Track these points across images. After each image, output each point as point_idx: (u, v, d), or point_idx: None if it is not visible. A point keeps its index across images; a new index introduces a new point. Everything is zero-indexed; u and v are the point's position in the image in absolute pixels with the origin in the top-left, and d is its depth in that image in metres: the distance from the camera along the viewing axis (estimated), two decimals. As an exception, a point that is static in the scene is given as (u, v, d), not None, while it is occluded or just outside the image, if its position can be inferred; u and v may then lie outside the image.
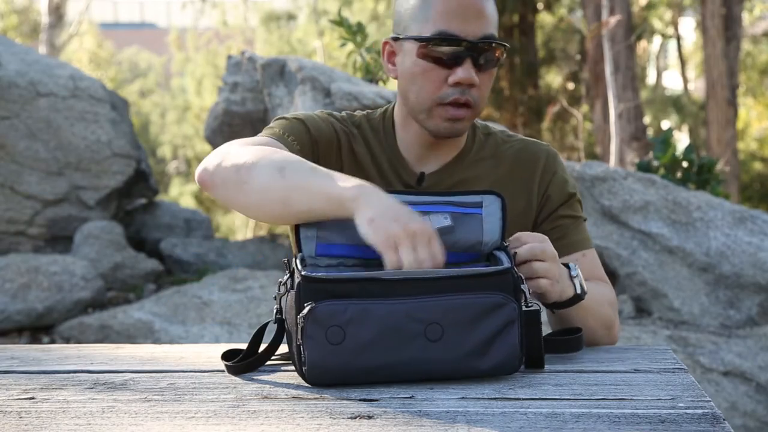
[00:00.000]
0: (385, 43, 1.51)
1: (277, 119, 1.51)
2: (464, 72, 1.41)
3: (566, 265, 1.36)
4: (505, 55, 1.47)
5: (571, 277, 1.35)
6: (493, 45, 1.42)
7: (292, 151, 1.41)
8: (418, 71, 1.44)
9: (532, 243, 1.29)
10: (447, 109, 1.44)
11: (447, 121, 1.45)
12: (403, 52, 1.47)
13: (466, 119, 1.46)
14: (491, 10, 1.44)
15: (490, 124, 1.62)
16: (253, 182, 1.28)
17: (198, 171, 1.38)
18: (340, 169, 1.43)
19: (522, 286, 1.18)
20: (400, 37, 1.47)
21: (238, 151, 1.34)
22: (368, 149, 1.54)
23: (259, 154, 1.32)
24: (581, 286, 1.36)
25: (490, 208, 1.27)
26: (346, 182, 1.23)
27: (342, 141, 1.52)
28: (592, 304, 1.42)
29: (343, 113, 1.58)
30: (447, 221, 1.24)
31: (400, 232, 1.15)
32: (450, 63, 1.42)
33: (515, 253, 1.24)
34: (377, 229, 1.17)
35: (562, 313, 1.41)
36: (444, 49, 1.41)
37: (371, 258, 1.19)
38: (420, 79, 1.44)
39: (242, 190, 1.30)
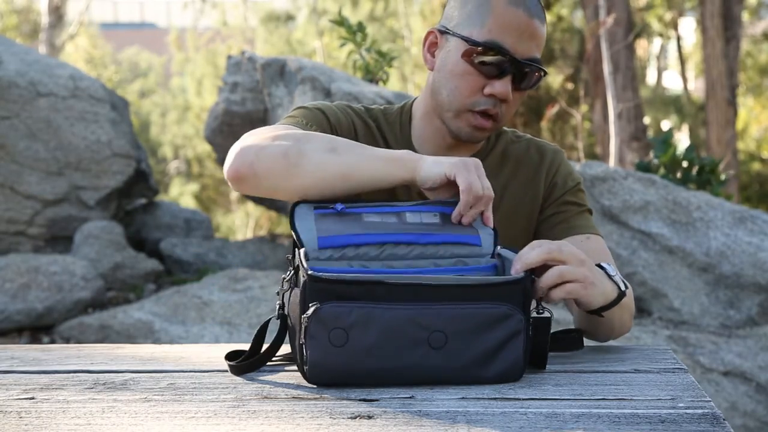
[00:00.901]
0: (431, 32, 1.50)
1: (297, 108, 1.51)
2: (502, 86, 1.42)
3: (599, 266, 1.30)
4: (541, 81, 1.47)
5: (610, 277, 1.29)
6: (536, 68, 1.44)
7: None
8: (458, 71, 1.44)
9: (543, 247, 1.20)
10: (476, 117, 1.45)
11: (471, 127, 1.46)
12: (447, 47, 1.46)
13: (489, 130, 1.48)
14: (543, 35, 1.45)
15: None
16: (306, 164, 1.29)
17: (232, 167, 1.32)
18: None
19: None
20: (450, 32, 1.46)
21: (271, 142, 1.32)
22: (384, 143, 1.55)
23: (299, 138, 1.33)
24: (624, 282, 1.31)
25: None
26: (398, 151, 1.33)
27: (359, 133, 1.54)
28: (626, 298, 1.38)
29: (361, 106, 1.58)
30: (436, 219, 1.25)
31: (466, 162, 1.24)
32: (491, 74, 1.42)
33: (533, 274, 1.17)
34: (443, 163, 1.24)
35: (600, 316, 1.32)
36: (491, 60, 1.41)
37: (370, 243, 1.19)
38: (458, 80, 1.44)
39: (294, 174, 1.29)
